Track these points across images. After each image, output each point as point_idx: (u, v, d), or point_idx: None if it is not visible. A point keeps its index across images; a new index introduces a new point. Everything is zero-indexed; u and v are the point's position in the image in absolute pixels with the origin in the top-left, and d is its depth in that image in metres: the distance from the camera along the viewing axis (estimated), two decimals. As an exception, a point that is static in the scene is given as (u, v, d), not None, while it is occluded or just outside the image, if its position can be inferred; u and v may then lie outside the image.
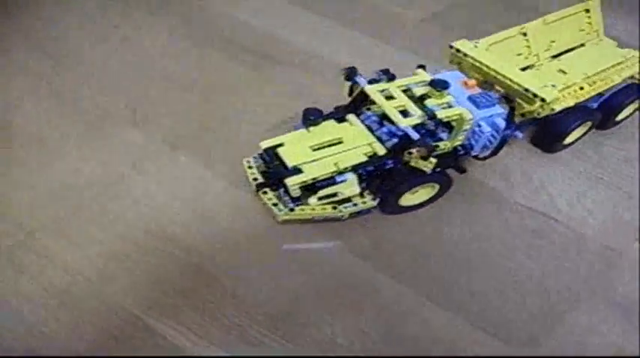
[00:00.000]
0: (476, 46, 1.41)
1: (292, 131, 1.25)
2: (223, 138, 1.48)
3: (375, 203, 1.24)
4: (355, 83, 1.29)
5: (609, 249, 1.28)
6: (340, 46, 1.82)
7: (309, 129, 1.24)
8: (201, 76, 1.68)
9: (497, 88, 1.38)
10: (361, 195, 1.23)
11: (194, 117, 1.54)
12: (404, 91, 1.26)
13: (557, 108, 1.32)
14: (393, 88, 1.25)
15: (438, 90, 1.22)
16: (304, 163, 1.17)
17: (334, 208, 1.21)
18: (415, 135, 1.17)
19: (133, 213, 1.29)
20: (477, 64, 1.38)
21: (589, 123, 1.47)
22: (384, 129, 1.26)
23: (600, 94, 1.47)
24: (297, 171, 1.16)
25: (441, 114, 1.19)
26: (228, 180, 1.37)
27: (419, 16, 2.01)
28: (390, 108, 1.20)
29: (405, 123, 1.17)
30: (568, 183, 1.41)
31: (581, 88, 1.40)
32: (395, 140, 1.22)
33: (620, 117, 1.54)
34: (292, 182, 1.15)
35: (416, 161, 1.18)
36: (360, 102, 1.29)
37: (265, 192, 1.21)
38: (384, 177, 1.22)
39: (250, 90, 1.63)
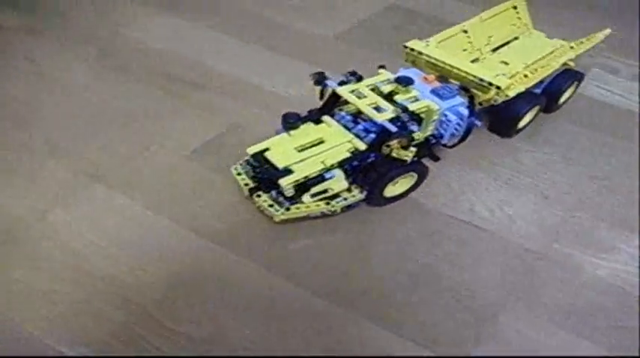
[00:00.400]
0: (427, 45, 1.52)
1: (273, 136, 1.31)
2: (145, 166, 1.45)
3: (362, 196, 1.30)
4: (325, 87, 1.35)
5: (531, 252, 1.30)
6: (256, 67, 1.82)
7: (290, 132, 1.30)
8: (120, 105, 1.64)
9: (452, 81, 1.48)
10: (349, 189, 1.30)
11: (115, 147, 1.50)
12: (372, 90, 1.34)
13: (511, 94, 1.43)
14: (362, 87, 1.33)
15: (404, 86, 1.32)
16: (293, 163, 1.23)
17: (327, 203, 1.27)
18: (393, 128, 1.24)
19: (59, 251, 1.25)
20: (433, 61, 1.49)
21: (537, 108, 1.59)
22: (360, 127, 1.34)
23: (542, 81, 1.58)
24: (288, 171, 1.22)
25: (412, 107, 1.28)
26: (150, 208, 1.35)
27: (328, 34, 2.03)
28: (364, 106, 1.28)
29: (381, 118, 1.25)
30: (488, 189, 1.44)
31: (526, 76, 1.51)
32: (372, 135, 1.30)
33: (561, 100, 1.67)
34: (286, 182, 1.20)
35: (397, 151, 1.26)
36: (332, 104, 1.37)
37: (259, 196, 1.26)
38: (367, 170, 1.29)
39: (170, 116, 1.61)
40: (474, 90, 1.44)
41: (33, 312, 1.14)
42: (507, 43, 1.70)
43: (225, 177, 1.41)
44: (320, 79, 1.36)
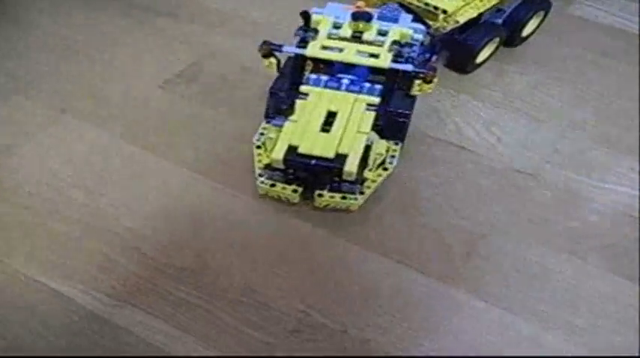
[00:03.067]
0: None
1: (275, 129, 1.17)
2: (116, 97, 1.38)
3: (399, 147, 1.20)
4: (278, 54, 1.20)
5: (521, 173, 1.25)
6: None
7: (291, 119, 1.14)
8: (85, 36, 1.56)
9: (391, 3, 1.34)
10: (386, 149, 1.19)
11: (82, 80, 1.43)
12: (333, 39, 1.21)
13: (461, 19, 1.31)
14: (326, 41, 1.20)
15: (366, 22, 1.21)
16: (338, 146, 1.10)
17: (385, 169, 1.16)
18: (408, 67, 1.16)
19: (30, 181, 1.20)
20: None
21: (497, 40, 1.46)
22: (344, 82, 1.19)
23: (503, 10, 1.46)
24: (341, 156, 1.09)
25: (396, 37, 1.19)
26: (124, 138, 1.29)
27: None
28: (355, 59, 1.17)
29: (387, 63, 1.16)
30: (475, 111, 1.38)
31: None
32: (367, 85, 1.18)
33: (525, 32, 1.53)
34: (352, 168, 1.08)
35: (420, 88, 1.18)
36: (301, 69, 1.21)
37: (320, 195, 1.12)
38: (391, 119, 1.18)
39: (139, 46, 1.53)
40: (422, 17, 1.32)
41: (10, 246, 1.10)
42: None
43: (200, 106, 1.36)
44: (272, 48, 1.19)
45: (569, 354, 0.98)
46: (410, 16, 1.26)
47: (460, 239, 1.13)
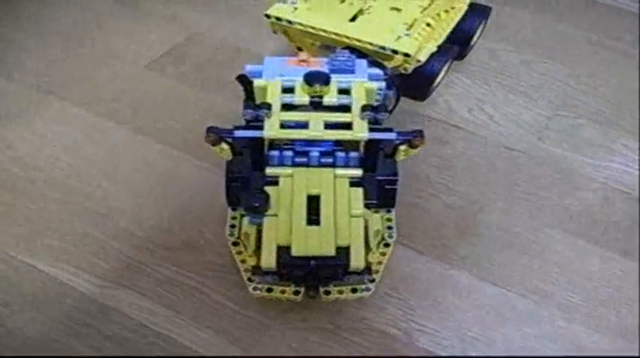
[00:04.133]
0: (296, 9, 1.22)
1: (249, 228, 0.99)
2: (101, 78, 1.36)
3: (392, 214, 1.06)
4: (227, 139, 0.98)
5: (513, 151, 1.24)
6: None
7: (269, 214, 0.95)
8: (69, 17, 1.53)
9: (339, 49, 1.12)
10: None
11: (67, 61, 1.40)
12: (289, 110, 1.00)
13: (423, 58, 1.19)
14: (283, 114, 0.99)
15: (325, 84, 1.01)
16: (336, 239, 0.93)
17: (387, 245, 1.02)
18: (391, 136, 0.98)
19: (16, 165, 1.18)
20: (309, 30, 1.20)
21: (449, 61, 1.36)
22: (314, 155, 1.00)
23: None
24: (342, 250, 0.93)
25: (364, 100, 1.00)
26: (111, 119, 1.27)
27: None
28: (327, 134, 0.97)
29: (365, 134, 0.96)
30: (466, 89, 1.37)
31: (429, 25, 1.25)
32: (342, 154, 1.00)
33: (472, 42, 1.44)
34: (360, 263, 0.93)
35: (406, 152, 1.00)
36: (261, 150, 1.00)
37: (328, 292, 0.96)
38: (380, 188, 1.01)
39: (124, 27, 1.50)
40: (377, 59, 1.18)
41: (1, 231, 1.08)
42: None
43: (188, 86, 1.34)
44: (221, 136, 0.96)
45: (564, 329, 0.97)
46: (364, 61, 1.07)
47: (454, 217, 1.12)
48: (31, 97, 1.31)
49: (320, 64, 1.05)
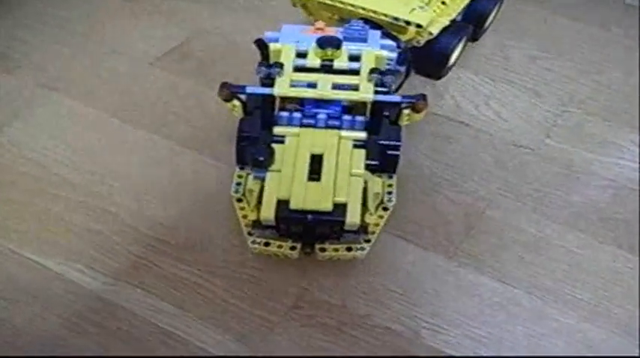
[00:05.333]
0: None
1: (254, 181, 1.02)
2: (106, 75, 1.36)
3: (393, 180, 1.09)
4: (240, 97, 1.05)
5: (521, 147, 1.24)
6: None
7: (273, 168, 1.00)
8: (74, 13, 1.53)
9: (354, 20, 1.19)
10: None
11: (72, 57, 1.40)
12: (301, 71, 1.05)
13: (435, 31, 1.21)
14: (294, 75, 1.04)
15: (337, 48, 1.06)
16: (335, 196, 0.97)
17: (385, 209, 1.05)
18: (396, 98, 1.02)
19: (21, 161, 1.18)
20: (328, 2, 1.23)
21: (464, 39, 1.37)
22: (321, 117, 1.05)
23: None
24: (339, 207, 0.96)
25: (373, 64, 1.04)
26: (116, 116, 1.27)
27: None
28: (334, 94, 1.01)
29: (370, 95, 1.00)
30: (473, 86, 1.36)
31: (443, 3, 1.26)
32: (348, 118, 1.05)
33: (487, 24, 1.46)
34: (355, 219, 0.96)
35: (410, 118, 1.05)
36: (272, 109, 1.05)
37: (323, 249, 0.99)
38: (383, 153, 1.05)
39: (129, 24, 1.50)
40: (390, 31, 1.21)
41: (4, 227, 1.08)
42: None
43: (192, 83, 1.34)
44: (233, 91, 1.03)
45: (572, 327, 0.97)
46: (378, 32, 1.13)
47: (460, 214, 1.11)
48: (36, 94, 1.31)
49: (334, 32, 1.10)
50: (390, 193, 1.06)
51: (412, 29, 1.20)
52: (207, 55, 1.40)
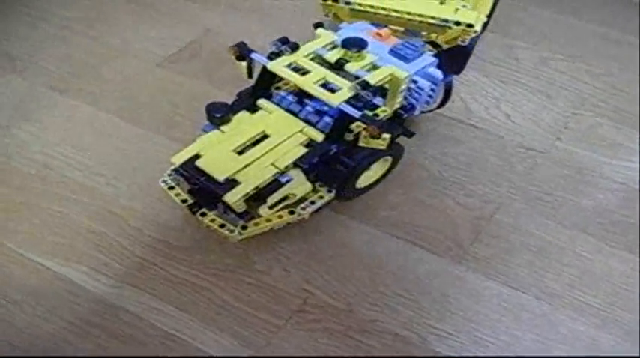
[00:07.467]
0: None
1: (200, 134, 1.03)
2: (113, 75, 1.35)
3: (332, 195, 1.05)
4: (252, 61, 1.08)
5: (531, 150, 1.22)
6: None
7: (222, 128, 1.02)
8: (81, 13, 1.53)
9: (394, 28, 1.22)
10: (314, 190, 1.04)
11: (78, 58, 1.40)
12: (314, 60, 1.07)
13: (479, 28, 1.22)
14: (301, 59, 1.06)
15: (355, 52, 1.05)
16: (236, 172, 0.96)
17: (291, 213, 1.01)
18: (355, 113, 0.98)
19: (28, 162, 1.18)
20: (368, 10, 1.21)
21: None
22: (308, 109, 1.05)
23: None
24: (231, 183, 0.95)
25: (372, 79, 1.01)
26: (122, 117, 1.26)
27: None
28: (311, 86, 1.01)
29: (337, 101, 0.98)
30: (483, 88, 1.34)
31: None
32: (327, 119, 1.03)
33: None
34: (233, 198, 0.93)
35: (366, 141, 0.99)
36: (266, 83, 1.08)
37: (204, 214, 0.99)
38: (331, 164, 1.02)
39: (136, 24, 1.50)
40: (429, 34, 1.22)
41: (9, 228, 1.07)
42: None
43: (199, 84, 1.33)
44: (242, 52, 1.06)
45: (581, 333, 0.95)
46: (432, 60, 1.09)
47: (469, 217, 1.10)
48: (43, 95, 1.31)
49: (392, 43, 1.10)
50: (312, 203, 1.03)
51: (458, 29, 1.20)
52: (214, 56, 1.39)
